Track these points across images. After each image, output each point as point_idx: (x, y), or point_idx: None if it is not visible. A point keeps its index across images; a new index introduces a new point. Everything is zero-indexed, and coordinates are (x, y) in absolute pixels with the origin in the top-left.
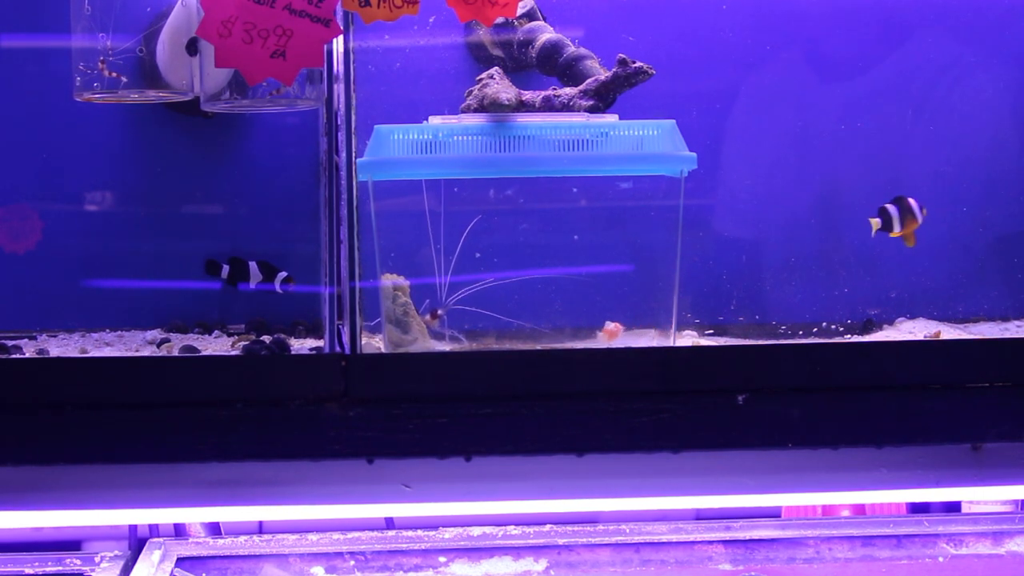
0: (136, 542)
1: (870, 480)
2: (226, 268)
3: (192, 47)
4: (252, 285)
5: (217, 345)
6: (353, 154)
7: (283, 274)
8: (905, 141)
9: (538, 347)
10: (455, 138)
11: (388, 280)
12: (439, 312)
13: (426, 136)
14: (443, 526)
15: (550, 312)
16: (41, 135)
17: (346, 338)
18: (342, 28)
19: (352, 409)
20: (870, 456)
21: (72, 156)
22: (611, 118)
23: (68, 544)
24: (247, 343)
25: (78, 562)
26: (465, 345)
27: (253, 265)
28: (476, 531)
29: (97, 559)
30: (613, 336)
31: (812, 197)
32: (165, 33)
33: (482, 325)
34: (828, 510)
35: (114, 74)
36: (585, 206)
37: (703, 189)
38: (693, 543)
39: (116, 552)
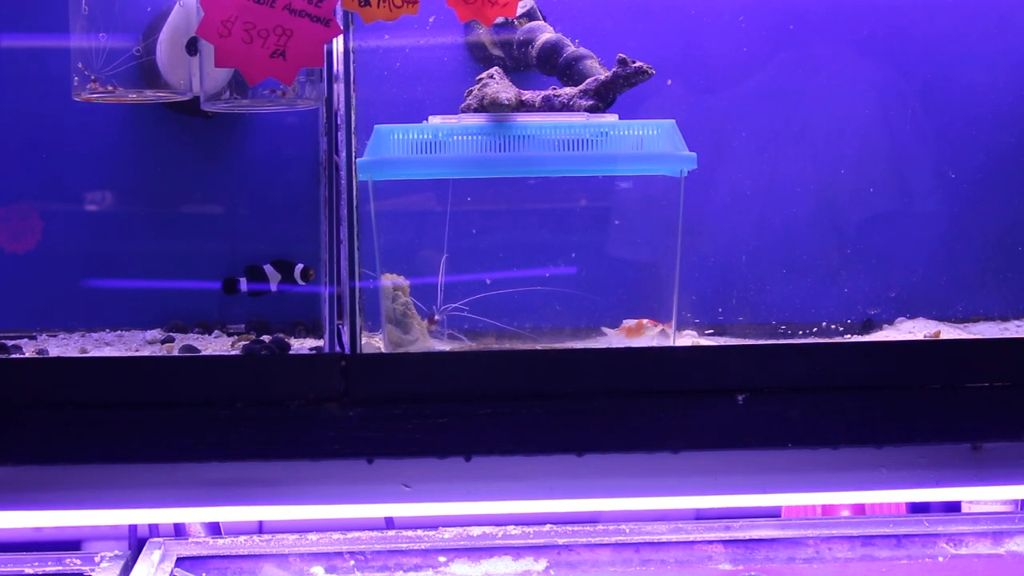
0: (136, 542)
1: (870, 480)
2: (243, 282)
3: (192, 47)
4: (273, 287)
5: (217, 345)
6: (353, 154)
7: (300, 266)
8: (905, 140)
9: (538, 347)
10: (455, 138)
11: (388, 280)
12: (436, 317)
13: (426, 136)
14: (443, 526)
15: (550, 313)
16: (41, 135)
17: (346, 338)
18: (342, 28)
19: (352, 409)
20: (870, 456)
21: (72, 156)
22: (611, 118)
23: (68, 544)
24: (247, 343)
25: (78, 562)
26: (465, 345)
27: (269, 268)
28: (476, 531)
29: (97, 559)
30: (634, 334)
31: (812, 197)
32: (165, 33)
33: (482, 325)
34: (828, 510)
35: (110, 88)
36: (585, 206)
37: (703, 189)
38: (693, 543)
39: (116, 552)
